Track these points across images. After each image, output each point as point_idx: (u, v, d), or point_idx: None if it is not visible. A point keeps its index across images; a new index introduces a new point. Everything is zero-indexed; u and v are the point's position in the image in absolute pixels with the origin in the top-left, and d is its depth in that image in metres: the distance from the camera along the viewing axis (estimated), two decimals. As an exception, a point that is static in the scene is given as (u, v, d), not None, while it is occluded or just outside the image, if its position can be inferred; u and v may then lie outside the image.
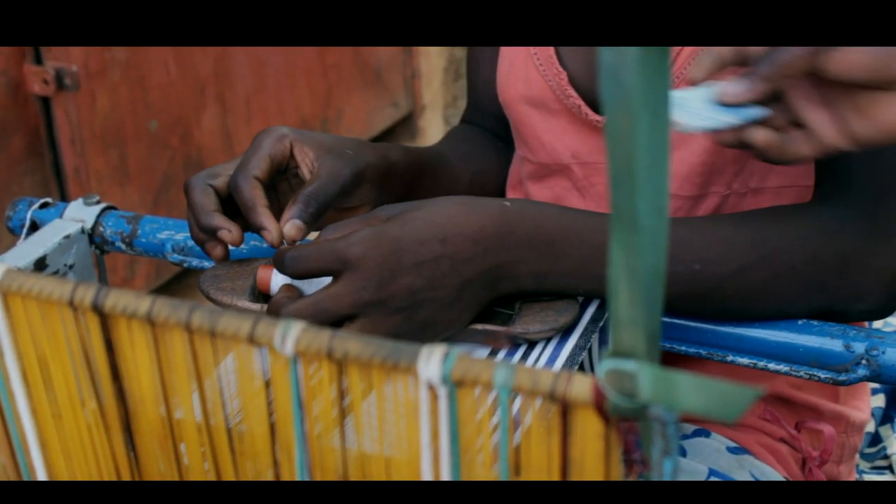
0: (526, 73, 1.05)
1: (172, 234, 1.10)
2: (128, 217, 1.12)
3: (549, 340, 0.84)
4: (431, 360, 0.44)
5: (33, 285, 0.51)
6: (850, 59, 0.72)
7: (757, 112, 0.76)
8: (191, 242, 1.08)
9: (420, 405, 0.45)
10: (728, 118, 0.77)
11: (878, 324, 1.27)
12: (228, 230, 0.88)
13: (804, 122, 0.76)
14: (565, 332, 0.84)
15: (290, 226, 0.86)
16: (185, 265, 1.10)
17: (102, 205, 1.14)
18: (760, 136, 0.77)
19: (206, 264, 1.06)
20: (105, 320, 0.51)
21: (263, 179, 0.89)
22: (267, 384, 0.49)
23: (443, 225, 0.81)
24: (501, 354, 0.83)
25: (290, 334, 0.46)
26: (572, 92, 1.01)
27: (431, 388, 0.44)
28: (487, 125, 1.20)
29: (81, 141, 2.28)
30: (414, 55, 3.40)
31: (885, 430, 1.25)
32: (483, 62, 1.19)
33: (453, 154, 1.13)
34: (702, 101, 0.77)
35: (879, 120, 0.74)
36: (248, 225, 0.91)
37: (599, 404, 0.41)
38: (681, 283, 0.85)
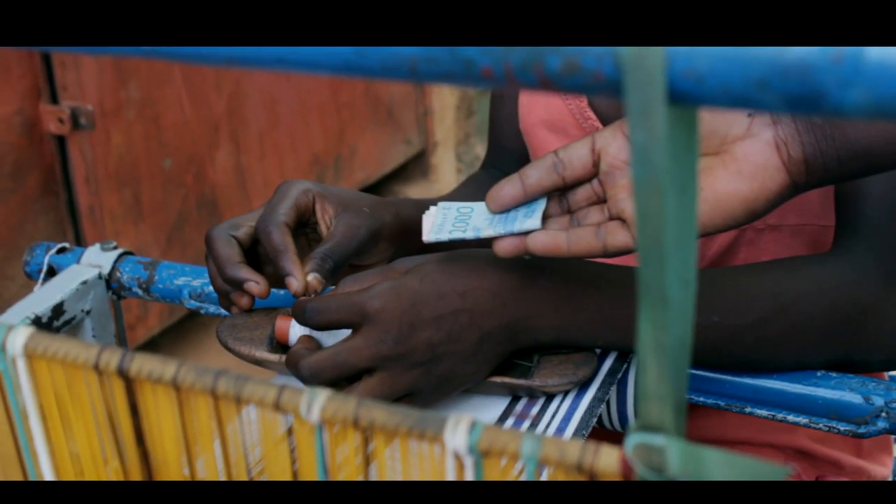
0: (547, 98, 1.06)
1: (189, 280, 1.11)
2: (145, 263, 1.13)
3: (567, 393, 0.84)
4: (458, 430, 0.44)
5: (58, 349, 0.51)
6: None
7: (529, 224, 0.77)
8: (208, 289, 1.09)
9: (446, 476, 0.45)
10: (492, 230, 0.78)
11: None
12: (256, 282, 0.88)
13: (622, 214, 0.76)
14: (584, 385, 0.84)
15: (312, 278, 0.86)
16: (202, 311, 1.10)
17: (119, 250, 1.14)
18: (538, 242, 0.77)
19: (223, 311, 1.06)
20: (130, 384, 0.51)
21: (292, 227, 0.89)
22: (289, 432, 0.49)
23: (462, 278, 0.82)
24: (520, 406, 0.83)
25: (317, 402, 0.46)
26: (591, 114, 1.02)
27: (458, 457, 0.44)
28: (508, 167, 1.20)
29: (96, 180, 2.29)
30: (426, 92, 3.42)
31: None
32: (507, 95, 1.19)
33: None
34: (477, 213, 0.81)
35: (707, 190, 0.74)
36: (270, 276, 0.91)
37: (627, 477, 0.41)
38: (700, 334, 0.85)
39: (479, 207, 0.81)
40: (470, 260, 0.83)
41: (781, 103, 0.35)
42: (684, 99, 0.36)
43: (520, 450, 0.43)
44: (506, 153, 1.21)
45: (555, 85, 0.38)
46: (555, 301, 0.83)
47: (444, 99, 3.46)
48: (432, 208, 0.83)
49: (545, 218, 0.78)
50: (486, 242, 0.80)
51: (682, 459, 0.39)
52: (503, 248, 0.78)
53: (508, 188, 0.78)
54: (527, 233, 0.78)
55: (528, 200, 0.78)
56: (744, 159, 0.73)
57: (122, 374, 0.50)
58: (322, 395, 0.46)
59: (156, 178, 2.45)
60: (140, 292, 1.12)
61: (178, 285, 1.11)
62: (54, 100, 2.22)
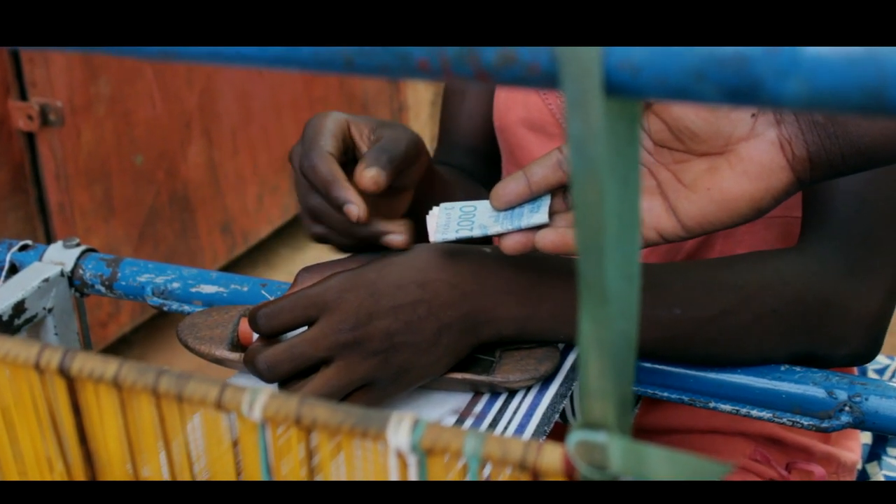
0: (525, 96, 1.05)
1: (153, 277, 1.09)
2: (108, 260, 1.11)
3: (529, 389, 0.83)
4: (401, 428, 0.43)
5: (-1, 348, 0.50)
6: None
7: (536, 218, 0.77)
8: (171, 286, 1.08)
9: (389, 474, 0.44)
10: (499, 226, 0.78)
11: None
12: (356, 205, 0.82)
13: None
14: (546, 381, 0.83)
15: (374, 172, 0.82)
16: (165, 309, 1.09)
17: (82, 247, 1.13)
18: (547, 239, 0.77)
19: (187, 308, 1.05)
20: (72, 384, 0.50)
21: (337, 157, 0.85)
22: (234, 443, 0.49)
23: (421, 269, 0.81)
24: (482, 402, 0.82)
25: (258, 401, 0.45)
26: None
27: (401, 455, 0.44)
28: (458, 161, 1.19)
29: (66, 176, 2.27)
30: (401, 88, 3.41)
31: (871, 468, 1.24)
32: (469, 92, 1.18)
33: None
34: (481, 211, 0.80)
35: (714, 189, 0.74)
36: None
37: (570, 475, 0.40)
38: (662, 327, 0.84)
39: (483, 206, 0.80)
40: (429, 252, 0.83)
41: (719, 94, 0.34)
42: (621, 91, 0.36)
43: (462, 448, 0.42)
44: (459, 150, 1.20)
45: (491, 77, 0.37)
46: (516, 293, 0.82)
47: (419, 94, 3.45)
48: (435, 209, 0.83)
49: (550, 214, 0.78)
50: (486, 240, 0.80)
51: (623, 457, 0.39)
52: (510, 245, 0.78)
53: (513, 185, 0.78)
54: (533, 228, 0.77)
55: (532, 197, 0.78)
56: (749, 159, 0.73)
57: (64, 373, 0.49)
58: (264, 394, 0.45)
59: (127, 174, 2.43)
60: (103, 290, 1.11)
61: (140, 282, 1.10)
62: (23, 96, 2.20)
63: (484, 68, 0.37)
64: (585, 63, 0.35)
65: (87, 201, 2.34)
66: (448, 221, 0.81)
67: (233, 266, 2.89)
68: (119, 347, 2.58)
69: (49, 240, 2.28)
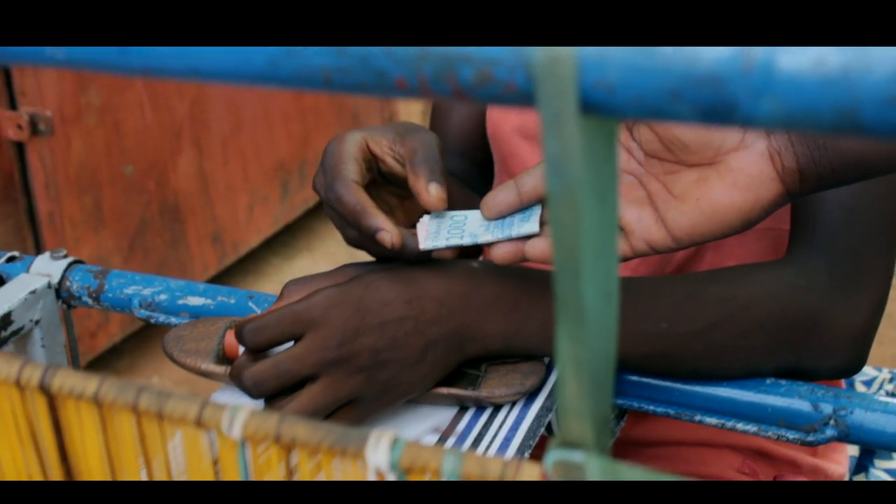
0: None
1: (140, 289, 1.09)
2: (95, 271, 1.11)
3: (515, 403, 0.83)
4: (380, 446, 0.43)
5: (-21, 364, 0.50)
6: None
7: (526, 228, 0.77)
8: (159, 298, 1.07)
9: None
10: (489, 235, 0.78)
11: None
12: (388, 231, 0.81)
13: (620, 222, 0.76)
14: (532, 395, 0.83)
15: (435, 189, 0.81)
16: (153, 321, 1.09)
17: (69, 259, 1.13)
18: (537, 249, 0.77)
19: (174, 320, 1.05)
20: (53, 401, 0.50)
21: (362, 181, 0.84)
22: (215, 461, 0.49)
23: (408, 285, 0.81)
24: (467, 416, 0.82)
25: (238, 419, 0.45)
26: None
27: (380, 473, 0.44)
28: (452, 167, 1.19)
29: (56, 186, 2.27)
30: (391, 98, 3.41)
31: (859, 479, 1.24)
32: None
33: None
34: (471, 220, 0.80)
35: (703, 200, 0.74)
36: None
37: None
38: (648, 342, 0.84)
39: (473, 215, 0.80)
40: (416, 268, 0.83)
41: (695, 114, 0.35)
42: (598, 110, 0.36)
43: (441, 466, 0.42)
44: (452, 156, 1.20)
45: (468, 95, 0.37)
46: (503, 309, 0.82)
47: (410, 104, 3.45)
48: (425, 217, 0.82)
49: (541, 224, 0.78)
50: (475, 252, 0.80)
51: (601, 476, 0.39)
52: (500, 254, 0.78)
53: (504, 195, 0.78)
54: (524, 237, 0.77)
55: (523, 207, 0.78)
56: (739, 170, 0.73)
57: (45, 390, 0.49)
58: (244, 411, 0.45)
59: (117, 184, 2.43)
60: (90, 301, 1.11)
61: (128, 294, 1.09)
62: (13, 106, 2.20)
63: (461, 87, 0.37)
64: (561, 82, 0.35)
65: (76, 211, 2.33)
66: (438, 229, 0.81)
67: (223, 276, 2.89)
68: (108, 357, 2.58)
69: (38, 250, 2.27)
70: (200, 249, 2.72)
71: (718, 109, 0.34)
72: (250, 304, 1.00)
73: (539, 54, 0.35)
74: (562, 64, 0.35)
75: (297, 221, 3.18)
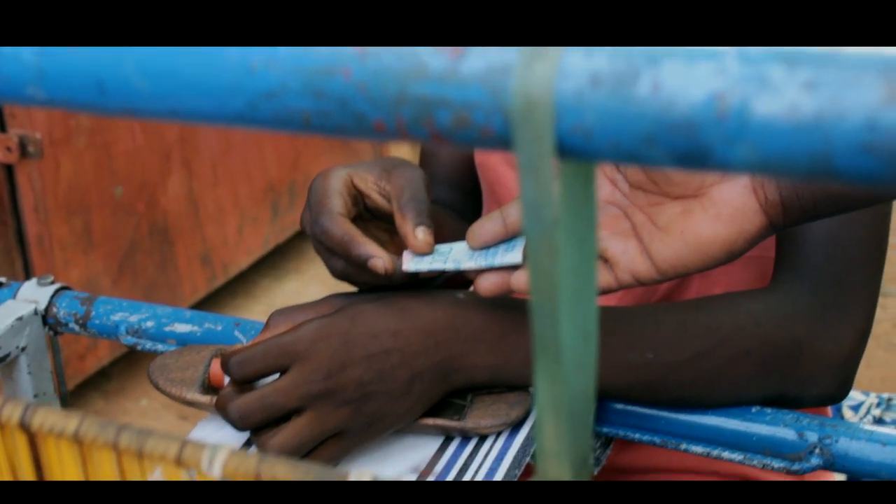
0: None
1: (127, 315, 1.09)
2: (82, 298, 1.11)
3: (500, 432, 0.83)
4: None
5: (-40, 401, 0.50)
6: None
7: (510, 258, 0.77)
8: (146, 325, 1.07)
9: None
10: (472, 262, 0.78)
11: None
12: (380, 257, 0.81)
13: (603, 253, 0.76)
14: (517, 424, 0.83)
15: (422, 233, 0.81)
16: (139, 348, 1.09)
17: (56, 285, 1.13)
18: (522, 281, 0.77)
19: (160, 347, 1.05)
20: (33, 438, 0.50)
21: (347, 215, 0.84)
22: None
23: (394, 317, 0.81)
24: (453, 446, 0.82)
25: (218, 458, 0.45)
26: None
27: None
28: (442, 196, 1.19)
29: (45, 209, 2.27)
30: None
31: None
32: None
33: None
34: (456, 249, 0.81)
35: (687, 233, 0.74)
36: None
37: (528, 534, 0.40)
38: (635, 371, 0.84)
39: (459, 245, 0.81)
40: (403, 299, 0.83)
41: (670, 159, 0.35)
42: (574, 154, 0.36)
43: None
44: (442, 185, 1.20)
45: (446, 139, 0.37)
46: (489, 340, 0.82)
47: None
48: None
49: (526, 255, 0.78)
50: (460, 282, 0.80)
51: (579, 517, 0.39)
52: (486, 286, 0.78)
53: (489, 225, 0.78)
54: (507, 267, 0.77)
55: (508, 237, 0.78)
56: (722, 203, 0.73)
57: (25, 428, 0.49)
58: (224, 451, 0.45)
59: (106, 206, 2.43)
60: (77, 328, 1.10)
61: (114, 321, 1.09)
62: (2, 128, 2.20)
63: (439, 131, 0.37)
64: (538, 127, 0.35)
65: (66, 234, 2.33)
66: (423, 256, 0.81)
67: (212, 298, 2.88)
68: (97, 380, 2.57)
69: (27, 272, 2.27)
70: (190, 271, 2.72)
71: (693, 155, 0.34)
72: (236, 333, 1.00)
73: (516, 100, 0.35)
74: (538, 109, 0.35)
75: (287, 243, 3.18)
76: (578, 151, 0.36)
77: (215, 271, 2.82)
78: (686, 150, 0.34)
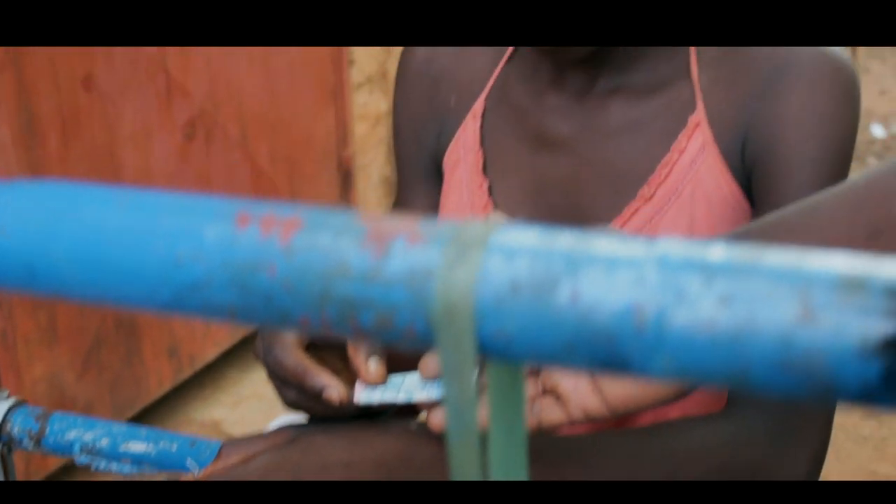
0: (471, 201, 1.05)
1: (81, 433, 1.08)
2: (36, 414, 1.10)
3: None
4: None
5: None
6: None
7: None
8: (100, 443, 1.06)
9: None
10: (424, 394, 0.79)
11: None
12: (334, 388, 0.81)
13: (556, 388, 0.77)
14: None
15: (373, 366, 0.81)
16: (94, 468, 1.07)
17: (11, 400, 1.11)
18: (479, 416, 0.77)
19: (114, 466, 1.04)
20: None
21: (300, 346, 0.84)
22: None
23: (346, 448, 0.80)
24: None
25: None
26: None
27: None
28: (421, 196, 1.15)
29: (9, 303, 2.25)
30: (345, 159, 3.42)
31: None
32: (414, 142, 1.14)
33: None
34: (409, 379, 0.81)
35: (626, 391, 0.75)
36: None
37: None
38: (588, 500, 0.84)
39: (411, 376, 0.81)
40: (354, 429, 0.82)
41: (590, 365, 0.35)
42: (497, 356, 0.36)
43: None
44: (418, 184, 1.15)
45: (370, 337, 0.37)
46: (441, 472, 0.82)
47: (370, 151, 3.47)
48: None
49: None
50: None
51: None
52: (437, 422, 0.78)
53: None
54: None
55: None
56: None
57: None
58: None
59: (72, 300, 2.41)
60: (31, 445, 1.09)
61: (69, 439, 1.08)
62: (-33, 224, 2.19)
63: (363, 329, 0.37)
64: (459, 332, 0.35)
65: (31, 328, 2.31)
66: (375, 387, 0.81)
67: (179, 390, 2.86)
68: (63, 474, 2.53)
69: (-10, 368, 2.25)
70: (157, 364, 2.70)
71: (613, 363, 0.34)
72: (189, 460, 0.99)
73: (438, 304, 0.35)
74: (459, 314, 0.35)
75: (255, 334, 3.15)
76: (501, 355, 0.36)
77: (182, 364, 2.80)
78: (605, 359, 0.34)
